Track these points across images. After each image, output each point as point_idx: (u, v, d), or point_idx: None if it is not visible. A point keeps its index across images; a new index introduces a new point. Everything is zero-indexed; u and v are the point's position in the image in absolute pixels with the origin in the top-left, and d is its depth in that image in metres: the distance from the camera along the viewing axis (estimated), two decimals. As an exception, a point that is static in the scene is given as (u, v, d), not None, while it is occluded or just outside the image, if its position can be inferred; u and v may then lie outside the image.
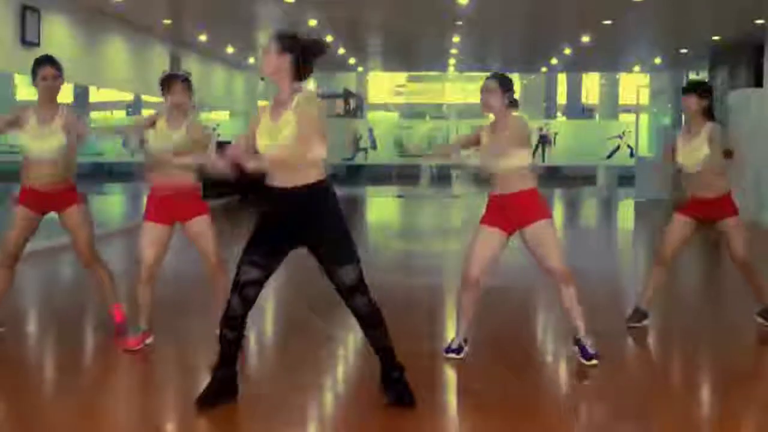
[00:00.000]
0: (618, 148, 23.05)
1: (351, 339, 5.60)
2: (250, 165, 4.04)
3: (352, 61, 20.52)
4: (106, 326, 5.80)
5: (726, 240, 5.86)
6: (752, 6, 12.37)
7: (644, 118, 25.20)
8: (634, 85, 21.75)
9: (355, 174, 25.61)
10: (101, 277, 5.73)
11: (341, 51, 18.20)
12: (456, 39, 16.22)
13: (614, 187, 22.58)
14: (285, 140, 4.01)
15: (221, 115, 23.20)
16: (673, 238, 5.87)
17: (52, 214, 5.57)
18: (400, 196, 19.61)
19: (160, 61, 14.78)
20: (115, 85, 14.59)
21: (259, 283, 4.17)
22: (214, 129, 22.11)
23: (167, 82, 5.23)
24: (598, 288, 7.31)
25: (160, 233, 5.23)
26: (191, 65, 16.01)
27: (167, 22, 13.91)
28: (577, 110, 30.23)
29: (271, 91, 4.38)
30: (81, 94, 25.85)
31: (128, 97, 22.66)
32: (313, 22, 13.60)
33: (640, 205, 16.83)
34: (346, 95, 26.59)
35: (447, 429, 4.15)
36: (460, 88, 31.63)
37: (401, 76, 33.29)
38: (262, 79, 4.74)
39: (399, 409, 4.16)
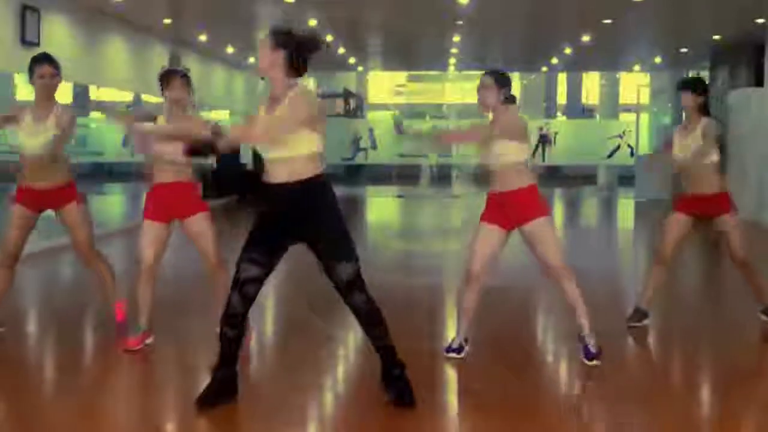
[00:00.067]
0: (618, 147, 23.04)
1: (351, 339, 5.60)
2: (221, 143, 4.03)
3: (352, 60, 20.51)
4: (106, 326, 5.80)
5: (725, 239, 5.85)
6: (752, 5, 12.36)
7: (645, 117, 25.20)
8: (635, 85, 21.74)
9: (355, 174, 25.60)
10: (102, 275, 5.73)
11: (341, 50, 18.20)
12: (456, 38, 16.22)
13: (614, 187, 22.58)
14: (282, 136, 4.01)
15: (221, 115, 23.19)
16: (671, 235, 5.87)
17: (51, 214, 5.57)
18: (400, 196, 19.61)
19: (160, 61, 14.78)
20: (115, 84, 14.60)
21: (259, 281, 4.17)
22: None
23: (166, 78, 5.22)
24: (599, 288, 7.30)
25: (159, 231, 5.23)
26: (191, 65, 16.00)
27: (167, 21, 13.91)
28: (578, 110, 30.22)
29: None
30: (81, 93, 25.90)
31: (128, 96, 22.67)
32: (313, 22, 13.60)
33: (641, 204, 16.82)
34: (346, 95, 26.59)
35: (447, 429, 4.14)
36: (460, 88, 31.63)
37: (401, 76, 33.29)
38: (263, 78, 4.74)
39: (399, 408, 4.15)
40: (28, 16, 10.30)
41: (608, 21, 13.82)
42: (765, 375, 5.17)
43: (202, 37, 15.50)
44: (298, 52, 4.10)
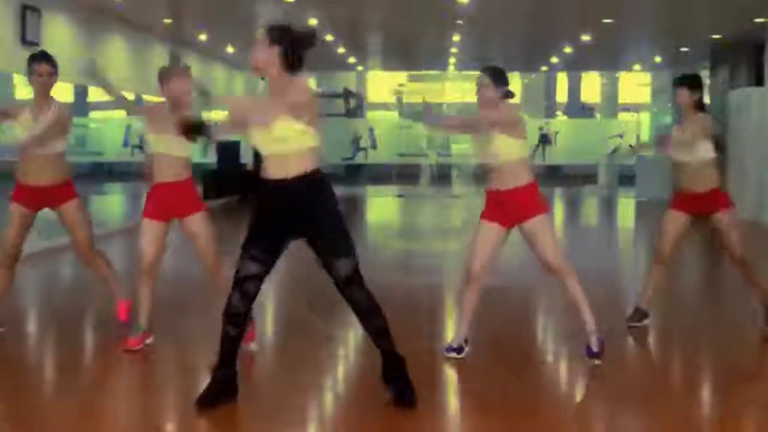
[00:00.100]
0: (618, 147, 23.04)
1: (351, 338, 5.60)
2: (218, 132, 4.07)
3: (352, 60, 20.53)
4: (106, 326, 5.80)
5: (721, 237, 5.83)
6: (752, 4, 12.37)
7: (645, 116, 25.21)
8: (635, 84, 21.75)
9: (355, 173, 25.60)
10: (103, 274, 5.73)
11: (341, 50, 18.21)
12: (456, 38, 16.23)
13: (615, 186, 22.57)
14: (277, 130, 4.01)
15: (221, 115, 23.18)
16: (668, 233, 5.87)
17: (50, 214, 5.57)
18: (400, 196, 19.60)
19: (160, 61, 14.78)
20: (115, 84, 14.59)
21: (259, 278, 4.18)
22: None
23: (166, 73, 5.22)
24: (599, 287, 7.30)
25: (159, 230, 5.23)
26: (191, 64, 16.01)
27: (167, 21, 13.91)
28: (578, 109, 30.23)
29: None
30: (81, 94, 25.90)
31: (128, 96, 22.66)
32: (313, 21, 13.61)
33: (641, 204, 16.82)
34: (346, 94, 26.59)
35: (447, 429, 4.14)
36: (460, 88, 31.61)
37: (401, 76, 33.26)
38: (263, 78, 4.73)
39: (399, 408, 4.15)
40: (28, 16, 10.31)
41: (608, 20, 13.82)
42: (765, 375, 5.17)
43: (202, 37, 15.50)
44: (293, 48, 4.09)
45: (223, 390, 4.21)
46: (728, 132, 14.45)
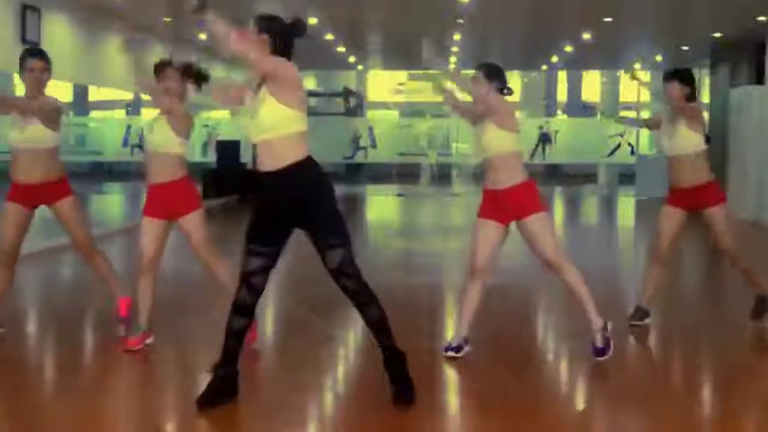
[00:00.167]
0: (619, 146, 23.04)
1: (351, 339, 5.60)
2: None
3: (352, 59, 20.51)
4: (106, 326, 5.80)
5: (711, 231, 5.82)
6: (753, 3, 12.36)
7: (646, 115, 25.18)
8: (635, 83, 21.76)
9: (355, 172, 25.60)
10: (103, 272, 5.73)
11: (341, 49, 18.19)
12: (457, 37, 16.21)
13: (615, 185, 22.57)
14: (264, 117, 4.01)
15: (221, 114, 23.19)
16: (664, 230, 5.87)
17: (49, 214, 5.57)
18: (400, 195, 19.60)
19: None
20: (115, 84, 14.58)
21: (265, 271, 4.20)
22: (214, 128, 22.13)
23: (159, 69, 5.23)
24: (599, 286, 7.29)
25: (159, 228, 5.23)
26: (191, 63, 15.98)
27: (167, 20, 13.90)
28: (578, 108, 30.20)
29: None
30: (81, 93, 25.90)
31: (128, 96, 22.66)
32: (313, 20, 13.60)
33: (642, 203, 16.81)
34: (346, 93, 26.58)
35: (447, 429, 4.14)
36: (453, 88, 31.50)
37: (401, 75, 33.24)
38: None
39: (399, 408, 4.14)
40: (28, 15, 10.31)
41: (609, 19, 13.81)
42: (765, 375, 5.16)
43: (202, 36, 15.49)
44: (283, 37, 4.10)
45: (223, 389, 4.22)
46: (728, 131, 14.44)
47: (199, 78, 4.87)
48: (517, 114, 5.26)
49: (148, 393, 4.68)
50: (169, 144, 5.15)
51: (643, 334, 5.83)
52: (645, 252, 10.55)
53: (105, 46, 13.13)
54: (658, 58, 19.69)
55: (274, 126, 4.02)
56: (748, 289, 6.09)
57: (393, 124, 25.71)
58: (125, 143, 23.22)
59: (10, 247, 5.47)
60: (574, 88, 30.61)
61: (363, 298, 4.16)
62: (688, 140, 5.68)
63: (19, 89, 5.51)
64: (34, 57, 5.41)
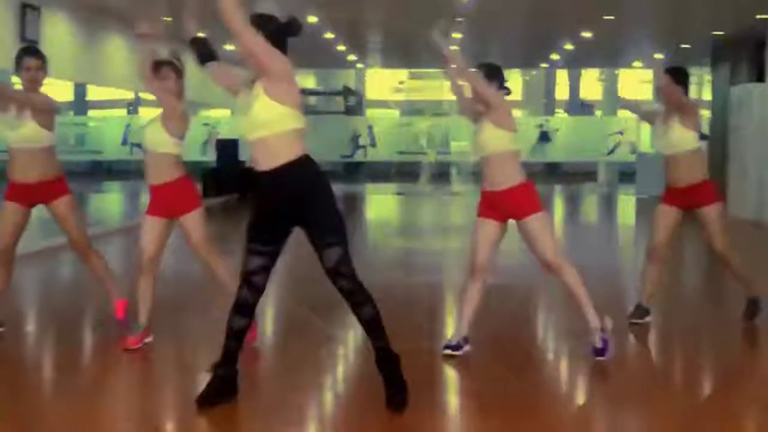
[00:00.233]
0: (618, 144, 23.03)
1: (351, 338, 5.59)
2: None
3: (351, 57, 20.50)
4: (105, 326, 5.79)
5: (704, 231, 5.81)
6: (753, 1, 12.35)
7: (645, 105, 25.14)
8: (636, 81, 21.72)
9: (355, 171, 25.59)
10: (99, 272, 5.72)
11: (341, 48, 18.18)
12: (456, 35, 16.20)
13: (615, 184, 22.56)
14: (257, 114, 3.99)
15: (221, 113, 23.19)
16: (660, 229, 5.87)
17: (46, 214, 5.57)
18: (399, 194, 19.59)
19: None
20: (115, 83, 14.58)
21: (266, 270, 4.19)
22: (213, 127, 22.12)
23: (156, 67, 5.22)
24: (599, 285, 7.28)
25: (159, 227, 5.22)
26: (191, 63, 15.98)
27: (167, 19, 13.89)
28: (577, 106, 30.19)
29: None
30: (80, 92, 25.89)
31: (128, 95, 22.65)
32: (313, 19, 13.59)
33: (642, 201, 16.80)
34: (346, 92, 26.57)
35: (447, 428, 4.13)
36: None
37: (401, 73, 33.24)
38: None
39: (392, 409, 4.12)
40: (28, 14, 10.30)
41: (609, 17, 13.80)
42: (765, 375, 5.15)
43: (202, 35, 15.49)
44: (277, 35, 4.08)
45: (223, 388, 4.21)
46: (729, 129, 14.43)
47: (205, 50, 4.72)
48: (517, 112, 5.25)
49: (148, 392, 4.68)
50: (163, 144, 5.15)
51: (643, 333, 5.82)
52: (645, 250, 10.51)
53: (105, 45, 13.12)
54: (658, 56, 19.68)
55: (268, 123, 3.99)
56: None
57: (392, 123, 25.70)
58: (124, 142, 23.22)
59: (6, 246, 5.47)
60: (574, 86, 30.60)
61: (358, 297, 4.14)
62: (682, 138, 5.68)
63: (19, 88, 5.50)
64: (30, 55, 5.42)
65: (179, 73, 5.27)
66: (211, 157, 19.06)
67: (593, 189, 21.43)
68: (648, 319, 5.95)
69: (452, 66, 5.11)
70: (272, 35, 4.06)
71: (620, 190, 20.53)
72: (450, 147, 23.80)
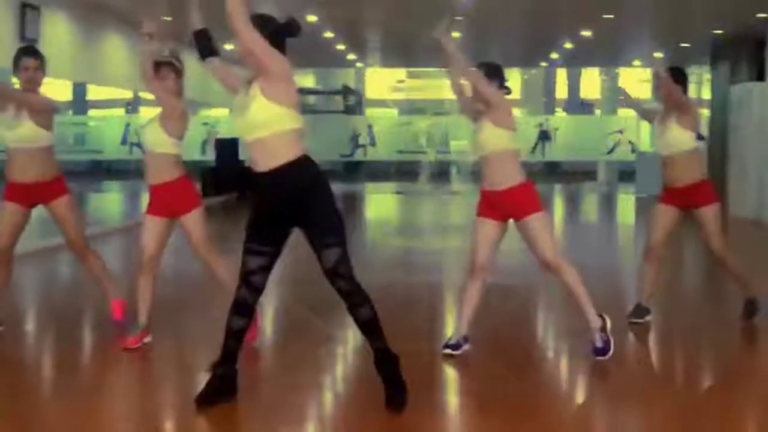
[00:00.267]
0: (618, 143, 23.00)
1: (350, 338, 5.58)
2: None
3: (351, 56, 20.49)
4: (105, 325, 5.78)
5: (701, 231, 5.81)
6: (753, 0, 12.33)
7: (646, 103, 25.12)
8: (635, 80, 21.71)
9: (354, 171, 25.58)
10: (96, 272, 5.71)
11: (340, 47, 18.17)
12: (456, 34, 16.19)
13: (615, 183, 22.55)
14: (255, 114, 3.97)
15: (221, 112, 23.17)
16: (656, 227, 5.87)
17: (45, 213, 5.56)
18: (398, 193, 19.59)
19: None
20: (114, 82, 14.56)
21: (265, 270, 4.18)
22: (213, 126, 22.11)
23: (155, 67, 5.21)
24: (599, 284, 7.27)
25: (160, 226, 5.22)
26: (191, 62, 15.98)
27: (167, 19, 13.88)
28: (577, 105, 30.16)
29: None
30: (79, 91, 25.86)
31: (127, 94, 22.63)
32: (312, 18, 13.58)
33: (642, 200, 16.79)
34: (345, 91, 26.55)
35: (446, 428, 4.13)
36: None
37: (401, 72, 33.22)
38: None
39: (391, 410, 4.11)
40: (27, 13, 10.28)
41: (609, 16, 13.79)
42: (765, 374, 5.14)
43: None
44: (276, 36, 4.06)
45: (222, 388, 4.20)
46: (729, 128, 14.42)
47: (209, 44, 4.69)
48: (516, 111, 5.24)
49: (147, 392, 4.67)
50: (162, 145, 5.14)
51: (642, 332, 5.81)
52: (642, 250, 10.50)
53: (104, 45, 13.10)
54: (658, 55, 19.67)
55: (266, 123, 3.98)
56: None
57: (392, 122, 25.68)
58: (124, 141, 23.19)
59: (4, 247, 5.46)
60: (574, 85, 30.58)
61: (355, 298, 4.12)
62: (680, 139, 5.67)
63: (18, 87, 5.50)
64: (29, 56, 5.42)
65: (179, 72, 5.26)
66: (210, 156, 19.04)
67: (593, 188, 21.42)
68: (648, 318, 5.94)
69: (454, 64, 5.09)
70: (272, 36, 4.05)
71: (620, 190, 20.51)
72: (450, 146, 23.78)
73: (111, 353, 5.27)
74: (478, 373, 4.90)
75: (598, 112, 27.87)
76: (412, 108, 32.12)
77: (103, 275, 5.77)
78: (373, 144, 23.72)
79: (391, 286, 7.19)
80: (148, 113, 22.27)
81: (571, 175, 24.77)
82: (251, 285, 4.17)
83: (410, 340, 5.18)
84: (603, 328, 5.00)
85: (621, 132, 22.91)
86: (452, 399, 4.61)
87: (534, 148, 22.67)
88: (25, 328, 6.10)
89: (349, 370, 5.11)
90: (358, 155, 23.95)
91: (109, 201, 18.50)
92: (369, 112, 29.86)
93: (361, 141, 23.72)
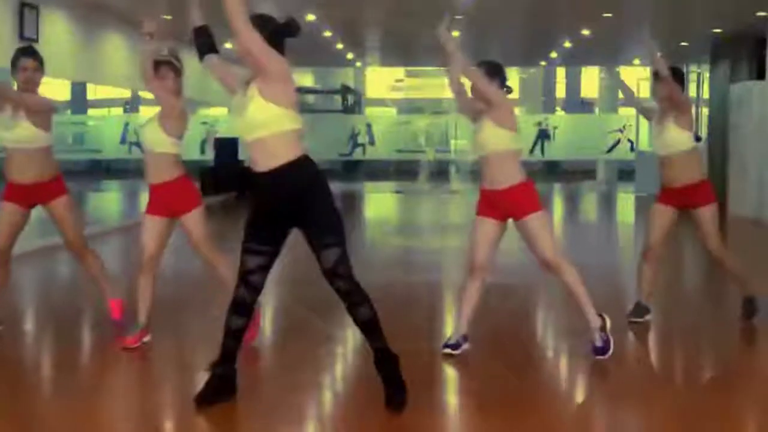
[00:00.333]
0: (618, 142, 22.99)
1: (350, 338, 5.57)
2: None
3: (350, 56, 20.47)
4: (104, 324, 5.77)
5: (698, 231, 5.81)
6: (753, -1, 12.33)
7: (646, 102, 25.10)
8: (635, 79, 21.70)
9: (353, 170, 25.57)
10: (94, 272, 5.70)
11: (339, 46, 18.16)
12: (455, 33, 16.18)
13: (614, 182, 22.54)
14: (253, 115, 3.96)
15: (220, 111, 23.16)
16: (654, 228, 5.86)
17: (44, 213, 5.55)
18: (398, 192, 19.58)
19: (158, 58, 14.72)
20: (113, 81, 14.54)
21: (263, 269, 4.17)
22: (212, 126, 22.10)
23: (154, 66, 5.21)
24: (598, 283, 7.27)
25: (160, 226, 5.21)
26: (190, 62, 15.97)
27: (167, 18, 13.86)
28: (576, 104, 30.16)
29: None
30: (78, 91, 25.86)
31: (126, 93, 22.63)
32: (311, 17, 13.56)
33: (641, 199, 16.78)
34: (344, 90, 26.54)
35: (446, 427, 4.12)
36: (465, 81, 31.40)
37: (400, 71, 33.22)
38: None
39: (391, 410, 4.10)
40: (26, 12, 10.27)
41: (608, 14, 13.78)
42: (765, 374, 5.13)
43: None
44: (275, 36, 4.05)
45: (222, 387, 4.19)
46: (728, 128, 14.41)
47: (208, 40, 4.66)
48: (516, 110, 5.22)
49: (146, 391, 4.66)
50: (161, 144, 5.13)
51: (642, 332, 5.80)
52: (640, 250, 10.49)
53: (103, 44, 13.09)
54: (658, 53, 19.66)
55: (265, 124, 3.97)
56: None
57: (391, 121, 25.67)
58: (123, 141, 23.19)
59: (2, 247, 5.45)
60: (573, 84, 30.57)
61: (355, 298, 4.11)
62: (677, 139, 5.67)
63: (17, 87, 5.49)
64: (27, 56, 5.41)
65: (178, 71, 5.26)
66: (209, 155, 19.04)
67: (592, 187, 21.42)
68: (648, 317, 5.94)
69: (454, 63, 5.07)
70: (271, 36, 4.04)
71: (619, 189, 20.51)
72: (449, 145, 23.78)
73: (110, 353, 5.26)
74: (478, 373, 4.89)
75: (597, 110, 27.86)
76: (411, 107, 32.14)
77: (101, 275, 5.76)
78: (372, 143, 23.71)
79: (390, 286, 7.18)
80: (147, 112, 22.25)
81: (570, 174, 24.76)
82: (250, 284, 4.17)
83: (410, 339, 5.17)
84: (603, 328, 4.99)
85: (622, 131, 22.89)
86: (452, 398, 4.60)
87: (533, 148, 22.66)
88: (24, 328, 6.09)
89: (349, 369, 5.10)
90: (357, 154, 23.94)
91: (108, 200, 18.48)
92: (368, 111, 29.87)
93: (360, 140, 23.71)
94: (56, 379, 4.92)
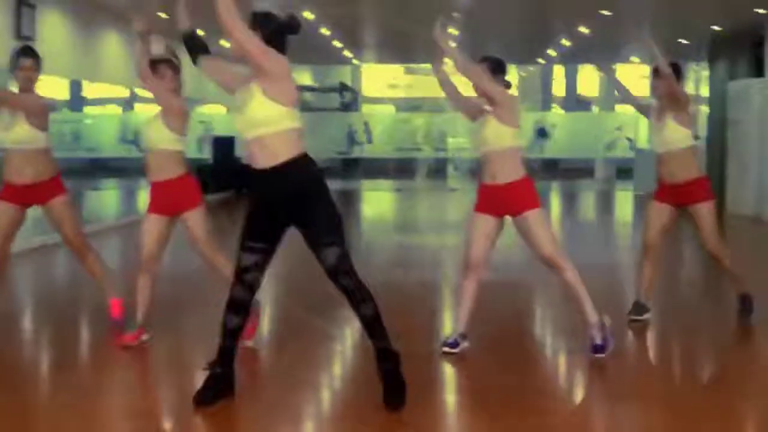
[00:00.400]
0: (618, 140, 23.00)
1: (349, 337, 5.56)
2: None
3: (347, 53, 20.45)
4: (103, 323, 5.75)
5: (696, 228, 5.81)
6: (752, -3, 12.32)
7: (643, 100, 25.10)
8: (634, 77, 21.70)
9: (351, 168, 25.57)
10: (94, 270, 5.69)
11: (337, 44, 18.14)
12: (453, 31, 16.15)
13: (613, 180, 22.54)
14: (253, 113, 3.95)
15: (217, 109, 23.14)
16: (652, 225, 5.86)
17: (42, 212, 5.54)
18: (396, 190, 19.56)
19: (155, 56, 14.70)
20: (111, 79, 14.52)
21: (259, 267, 4.15)
22: (209, 124, 22.08)
23: (153, 65, 5.19)
24: (598, 282, 7.25)
25: (161, 224, 5.20)
26: (187, 59, 15.93)
27: (163, 16, 13.84)
28: (575, 102, 30.15)
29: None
30: (76, 89, 25.82)
31: (124, 92, 22.60)
32: (309, 15, 13.54)
33: (640, 198, 16.77)
34: (341, 88, 26.52)
35: (445, 426, 4.11)
36: (457, 81, 31.44)
37: (397, 69, 33.18)
38: None
39: (391, 409, 4.09)
40: (24, 10, 10.24)
41: (607, 12, 13.77)
42: (765, 374, 5.12)
43: (198, 32, 15.45)
44: (276, 34, 4.03)
45: (220, 386, 4.18)
46: (727, 125, 14.40)
47: (198, 42, 4.61)
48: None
49: (145, 390, 4.66)
50: (165, 141, 5.12)
51: (641, 330, 5.80)
52: (639, 247, 10.48)
53: (100, 42, 13.06)
54: (656, 50, 19.65)
55: (266, 122, 3.96)
56: (750, 287, 6.05)
57: (389, 119, 25.66)
58: (121, 139, 23.17)
59: (0, 246, 5.43)
60: (571, 82, 30.55)
61: (359, 295, 4.10)
62: (676, 136, 5.66)
63: (15, 86, 5.48)
64: (26, 56, 5.42)
65: (176, 69, 5.24)
66: (207, 153, 19.02)
67: (591, 185, 21.42)
68: (647, 315, 5.93)
69: (444, 62, 5.05)
70: (272, 34, 4.03)
71: (618, 187, 20.51)
72: (447, 143, 23.78)
73: (109, 351, 5.24)
74: (476, 371, 4.88)
75: (595, 108, 27.86)
76: (408, 105, 32.11)
77: (101, 274, 5.74)
78: (369, 141, 23.71)
79: (388, 284, 7.16)
80: (144, 110, 22.25)
81: (568, 172, 24.77)
82: (245, 282, 4.14)
83: (408, 337, 5.15)
84: (602, 326, 4.98)
85: (620, 129, 22.91)
86: (451, 397, 4.59)
87: (530, 146, 22.67)
88: (22, 326, 6.07)
89: (348, 369, 5.09)
90: (355, 152, 23.94)
91: (106, 198, 18.45)
92: (365, 109, 29.85)
93: (357, 138, 23.70)
94: (55, 378, 4.90)
